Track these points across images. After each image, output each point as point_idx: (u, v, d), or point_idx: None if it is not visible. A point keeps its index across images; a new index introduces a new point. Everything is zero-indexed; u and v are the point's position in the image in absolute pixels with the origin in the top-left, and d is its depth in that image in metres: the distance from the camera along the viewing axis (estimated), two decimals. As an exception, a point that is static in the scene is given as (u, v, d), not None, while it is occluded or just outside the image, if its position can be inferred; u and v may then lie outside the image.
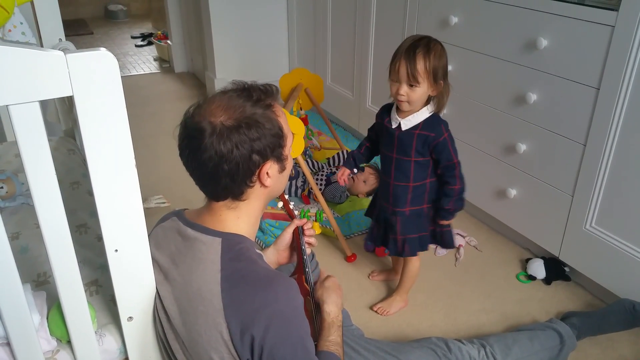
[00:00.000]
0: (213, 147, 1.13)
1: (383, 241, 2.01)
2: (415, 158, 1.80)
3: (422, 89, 1.69)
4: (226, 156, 1.13)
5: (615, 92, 1.77)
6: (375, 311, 2.05)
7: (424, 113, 1.76)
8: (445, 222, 1.88)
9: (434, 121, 1.76)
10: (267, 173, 1.20)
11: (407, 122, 1.77)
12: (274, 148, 1.18)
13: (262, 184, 1.21)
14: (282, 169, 1.24)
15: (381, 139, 1.90)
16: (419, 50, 1.65)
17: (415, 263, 2.01)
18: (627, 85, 1.74)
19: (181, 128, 1.19)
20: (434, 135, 1.75)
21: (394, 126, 1.81)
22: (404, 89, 1.69)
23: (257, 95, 1.18)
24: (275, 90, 1.25)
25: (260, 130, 1.14)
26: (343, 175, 2.01)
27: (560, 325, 1.81)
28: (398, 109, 1.80)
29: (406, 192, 1.86)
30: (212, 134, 1.12)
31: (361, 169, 2.09)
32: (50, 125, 2.40)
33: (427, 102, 1.76)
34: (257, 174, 1.19)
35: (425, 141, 1.76)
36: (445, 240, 1.93)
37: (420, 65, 1.65)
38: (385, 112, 1.86)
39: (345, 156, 3.01)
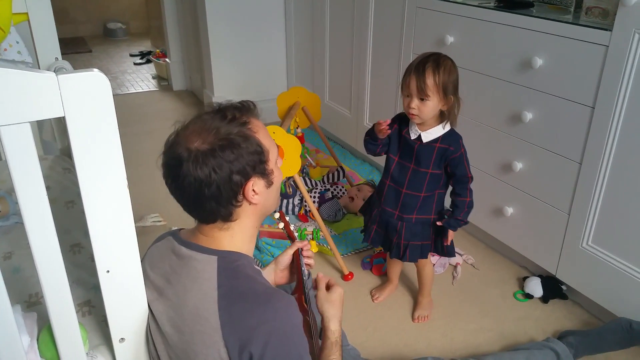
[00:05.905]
0: (191, 173, 1.13)
1: (383, 243, 2.02)
2: (432, 170, 1.83)
3: (433, 103, 1.72)
4: (205, 181, 1.13)
5: (610, 110, 1.78)
6: (417, 322, 2.10)
7: (443, 128, 1.80)
8: (451, 235, 1.88)
9: (453, 136, 1.80)
10: (253, 190, 1.19)
11: (428, 135, 1.80)
12: (255, 165, 1.18)
13: (250, 202, 1.21)
14: (270, 184, 1.23)
15: (395, 147, 1.90)
16: (428, 65, 1.69)
17: (428, 266, 2.08)
18: (622, 104, 1.75)
19: (163, 157, 1.20)
20: (453, 149, 1.79)
21: (413, 137, 1.83)
22: (415, 103, 1.72)
23: (232, 114, 1.18)
24: (252, 106, 1.25)
25: (236, 150, 1.14)
26: (385, 122, 1.86)
27: (557, 344, 1.80)
28: None
29: (416, 201, 1.89)
30: (188, 160, 1.13)
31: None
32: (46, 143, 2.40)
33: (441, 117, 1.79)
34: (241, 192, 1.18)
35: (443, 154, 1.80)
36: (447, 249, 1.95)
37: (429, 79, 1.68)
38: (404, 122, 1.87)
39: (342, 173, 3.01)
